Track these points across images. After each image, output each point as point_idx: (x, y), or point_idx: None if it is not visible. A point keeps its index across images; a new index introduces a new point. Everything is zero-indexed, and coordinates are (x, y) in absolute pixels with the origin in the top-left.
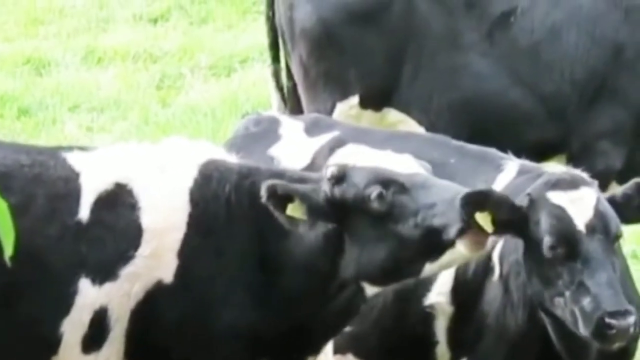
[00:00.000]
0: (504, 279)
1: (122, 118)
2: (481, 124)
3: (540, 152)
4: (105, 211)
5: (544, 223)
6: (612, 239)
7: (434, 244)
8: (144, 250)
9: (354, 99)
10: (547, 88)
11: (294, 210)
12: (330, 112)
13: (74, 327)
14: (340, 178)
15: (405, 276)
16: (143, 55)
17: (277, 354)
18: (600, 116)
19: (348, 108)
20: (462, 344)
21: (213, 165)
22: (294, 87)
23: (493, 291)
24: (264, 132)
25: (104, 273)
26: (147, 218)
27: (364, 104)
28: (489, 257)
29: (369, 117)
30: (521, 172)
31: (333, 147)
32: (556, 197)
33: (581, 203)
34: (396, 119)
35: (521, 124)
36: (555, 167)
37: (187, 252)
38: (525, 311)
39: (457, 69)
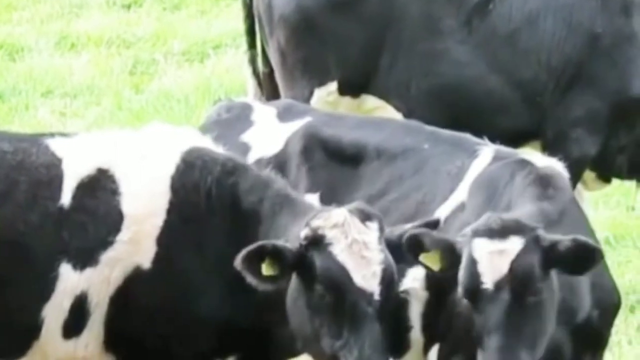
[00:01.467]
0: None
1: (96, 104)
2: (459, 110)
3: (516, 139)
4: (87, 197)
5: (461, 273)
6: (522, 296)
7: None
8: (124, 235)
9: (332, 86)
10: (524, 75)
11: (268, 268)
12: (308, 98)
13: (55, 312)
14: (311, 245)
15: None
16: (116, 41)
17: (247, 352)
18: (576, 103)
19: (326, 94)
20: (436, 330)
21: (196, 154)
22: (270, 73)
23: None
24: (237, 118)
25: (85, 259)
26: (128, 204)
27: (342, 90)
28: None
29: (346, 104)
30: (496, 158)
31: (305, 133)
32: (479, 246)
33: (500, 257)
34: (374, 106)
35: (498, 111)
36: (531, 153)
37: (166, 239)
38: None
39: (436, 56)
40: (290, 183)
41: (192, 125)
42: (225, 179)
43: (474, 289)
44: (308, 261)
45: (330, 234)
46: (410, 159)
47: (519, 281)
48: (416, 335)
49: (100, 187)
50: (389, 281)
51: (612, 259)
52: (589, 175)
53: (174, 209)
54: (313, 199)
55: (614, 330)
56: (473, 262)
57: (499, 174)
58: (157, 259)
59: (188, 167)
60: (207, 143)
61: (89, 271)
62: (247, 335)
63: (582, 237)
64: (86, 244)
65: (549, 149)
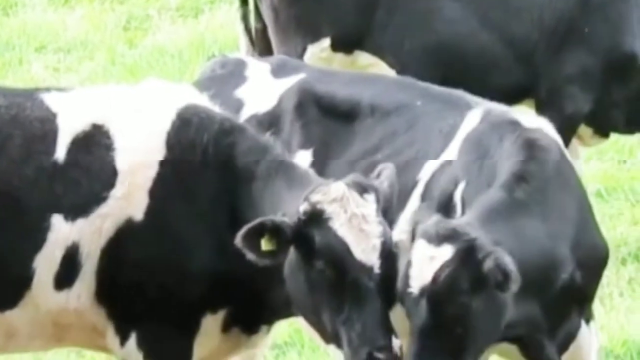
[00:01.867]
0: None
1: (89, 59)
2: (452, 67)
3: (509, 96)
4: (82, 152)
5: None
6: (441, 307)
7: None
8: (117, 191)
9: (325, 42)
10: (516, 32)
11: (267, 243)
12: (301, 54)
13: (46, 262)
14: (310, 220)
15: None
16: None
17: (238, 307)
18: (569, 60)
19: (319, 51)
20: None
21: (193, 110)
22: (263, 30)
23: None
24: (230, 74)
25: (78, 212)
26: (122, 159)
27: (335, 46)
28: (450, 197)
29: (340, 60)
30: (487, 117)
31: (299, 89)
32: (417, 248)
33: (429, 263)
34: (367, 62)
35: (491, 68)
36: (522, 113)
37: (158, 191)
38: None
39: (429, 13)
40: (283, 139)
41: (185, 80)
42: (223, 138)
43: (402, 292)
44: (307, 236)
45: (329, 209)
46: (404, 116)
47: (437, 291)
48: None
49: (94, 142)
50: (387, 254)
51: (604, 212)
52: (585, 131)
53: (167, 163)
54: (306, 155)
55: (605, 282)
56: (408, 264)
57: (488, 136)
58: (149, 212)
59: (184, 123)
60: (203, 100)
61: (80, 222)
62: (238, 289)
63: (504, 259)
64: (79, 199)
65: (543, 106)
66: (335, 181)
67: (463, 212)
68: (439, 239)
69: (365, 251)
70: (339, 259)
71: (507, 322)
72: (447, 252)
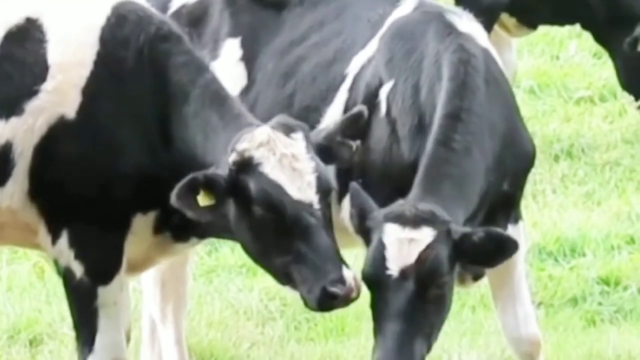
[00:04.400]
0: (391, 118)
1: None
2: None
3: None
4: (15, 46)
5: (367, 255)
6: (426, 287)
7: None
8: (48, 84)
9: None
10: None
11: (204, 198)
12: None
13: None
14: (240, 170)
15: None
16: None
17: (165, 211)
18: None
19: None
20: (349, 178)
21: (130, 7)
22: None
23: (379, 129)
24: None
25: (10, 108)
26: (54, 53)
27: None
28: (375, 94)
29: None
30: (418, 8)
31: None
32: (389, 231)
33: (409, 245)
34: None
35: None
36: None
37: (91, 90)
38: (412, 150)
39: None
40: (213, 28)
41: None
42: (159, 43)
43: (378, 274)
44: (241, 185)
45: (257, 154)
46: (332, 4)
47: (425, 272)
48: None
49: (28, 36)
50: (324, 188)
51: (537, 108)
52: (509, 20)
53: (101, 61)
54: (234, 43)
55: (537, 179)
56: (381, 246)
57: (419, 31)
58: (82, 110)
59: (120, 19)
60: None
61: (13, 120)
62: (168, 193)
63: (495, 229)
64: (11, 94)
65: None
66: (259, 126)
67: (388, 112)
68: (416, 221)
69: (302, 189)
70: (277, 202)
71: None
72: (428, 234)
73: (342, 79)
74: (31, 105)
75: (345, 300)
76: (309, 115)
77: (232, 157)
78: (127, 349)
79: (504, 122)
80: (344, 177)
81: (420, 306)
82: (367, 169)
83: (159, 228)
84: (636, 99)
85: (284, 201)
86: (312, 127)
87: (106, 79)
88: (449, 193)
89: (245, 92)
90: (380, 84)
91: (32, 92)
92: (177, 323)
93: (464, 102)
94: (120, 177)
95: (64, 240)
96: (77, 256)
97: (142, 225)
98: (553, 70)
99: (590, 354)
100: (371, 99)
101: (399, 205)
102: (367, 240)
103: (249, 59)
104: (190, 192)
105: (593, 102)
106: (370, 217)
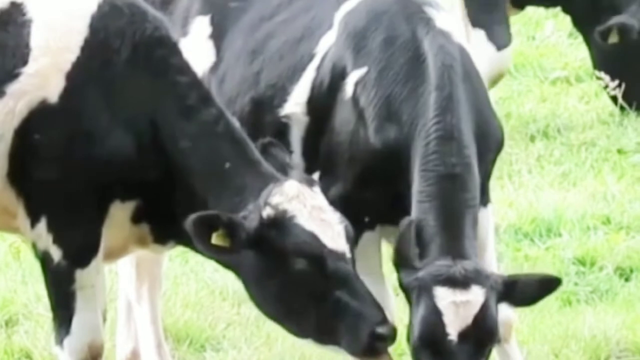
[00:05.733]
0: (359, 105)
1: None
2: None
3: None
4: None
5: (418, 321)
6: (484, 349)
7: None
8: (30, 67)
9: None
10: None
11: (218, 238)
12: None
13: None
14: (273, 225)
15: None
16: None
17: (149, 201)
18: None
19: None
20: (316, 156)
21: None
22: None
23: (345, 112)
24: None
25: None
26: (38, 37)
27: None
28: (342, 76)
29: None
30: None
31: None
32: (442, 295)
33: (464, 308)
34: None
35: None
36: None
37: (76, 75)
38: (380, 138)
39: None
40: (184, 6)
41: None
42: (156, 47)
43: (439, 340)
44: (272, 239)
45: (290, 207)
46: None
47: (483, 333)
48: (296, 160)
49: (11, 20)
50: (350, 236)
51: (513, 89)
52: None
53: (88, 48)
54: (204, 20)
55: (514, 159)
56: (437, 312)
57: (396, 20)
58: (64, 94)
59: (113, 9)
60: None
61: None
62: (149, 187)
63: (549, 275)
64: None
65: None
66: (286, 180)
67: (355, 99)
68: (464, 282)
69: (334, 238)
70: (316, 252)
71: None
72: (479, 293)
73: (310, 58)
74: (12, 88)
75: (393, 339)
76: (276, 94)
77: (267, 211)
78: (103, 331)
79: (477, 115)
80: (310, 156)
81: None
82: (332, 150)
83: (138, 218)
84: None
85: (323, 251)
86: (279, 105)
87: (93, 66)
88: (471, 222)
89: (213, 69)
90: (349, 67)
91: (14, 75)
92: (152, 303)
93: (454, 118)
94: (99, 165)
95: (42, 224)
96: (56, 240)
97: (120, 213)
98: (529, 51)
99: (566, 334)
100: (338, 81)
101: (442, 265)
102: (407, 296)
103: (218, 36)
104: (207, 225)
105: (569, 82)
106: (411, 274)
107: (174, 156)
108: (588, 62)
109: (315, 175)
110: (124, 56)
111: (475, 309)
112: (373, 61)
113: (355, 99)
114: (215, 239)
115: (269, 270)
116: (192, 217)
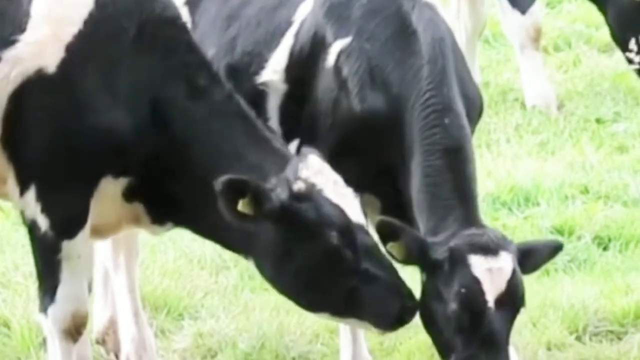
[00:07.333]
0: (342, 75)
1: None
2: None
3: None
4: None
5: (456, 289)
6: (516, 314)
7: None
8: (28, 35)
9: None
10: None
11: (245, 206)
12: None
13: None
14: (304, 198)
15: None
16: None
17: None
18: None
19: None
20: (293, 124)
21: None
22: None
23: (327, 80)
24: None
25: None
26: (41, 5)
27: None
28: (323, 44)
29: None
30: None
31: None
32: (476, 263)
33: (498, 274)
34: None
35: None
36: None
37: (77, 48)
38: (364, 106)
39: None
40: None
41: None
42: (165, 26)
43: (479, 308)
44: (303, 211)
45: (318, 181)
46: None
47: (517, 299)
48: (273, 126)
49: None
50: (364, 212)
51: (491, 58)
52: None
53: (93, 22)
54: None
55: (492, 128)
56: (475, 280)
57: None
58: (62, 65)
59: None
60: None
61: None
62: (147, 163)
63: (553, 241)
64: None
65: None
66: (307, 154)
67: (338, 67)
68: (495, 249)
69: (355, 212)
70: (346, 224)
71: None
72: (508, 259)
73: (288, 24)
74: (8, 54)
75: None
76: (252, 60)
77: (298, 186)
78: (88, 301)
79: (461, 86)
80: (287, 123)
81: (509, 331)
82: (313, 118)
83: (130, 197)
84: (623, 51)
85: (350, 224)
86: (255, 72)
87: (96, 41)
88: (476, 192)
89: None
90: (331, 36)
91: (10, 42)
92: (129, 272)
93: (450, 90)
94: (92, 139)
95: (31, 193)
96: (44, 210)
97: (111, 188)
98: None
99: (544, 303)
100: (319, 49)
101: (474, 234)
102: (431, 270)
103: (193, 2)
104: (237, 191)
105: (547, 52)
106: (435, 247)
107: (183, 136)
108: (566, 32)
109: (294, 144)
110: (131, 34)
111: (507, 275)
112: (357, 31)
113: (337, 67)
114: (242, 205)
115: (294, 243)
116: (223, 179)
